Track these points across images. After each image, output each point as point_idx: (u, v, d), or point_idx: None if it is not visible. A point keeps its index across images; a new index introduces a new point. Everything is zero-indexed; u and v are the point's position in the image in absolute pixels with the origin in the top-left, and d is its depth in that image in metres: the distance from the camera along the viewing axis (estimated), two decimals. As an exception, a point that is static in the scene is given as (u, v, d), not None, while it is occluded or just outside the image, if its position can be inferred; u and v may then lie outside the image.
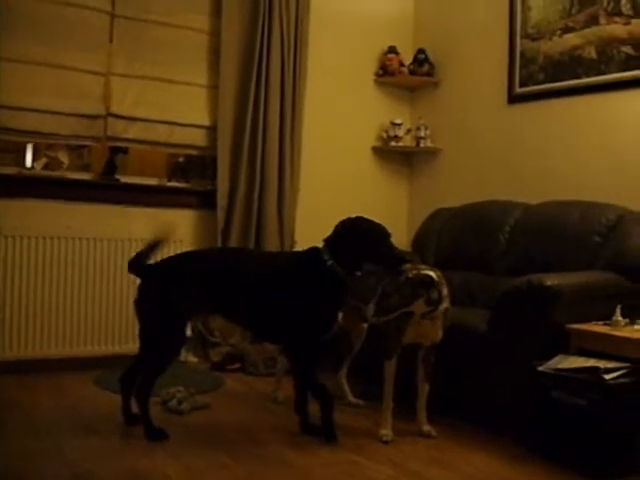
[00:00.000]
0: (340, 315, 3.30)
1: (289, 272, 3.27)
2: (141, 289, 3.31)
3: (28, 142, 4.65)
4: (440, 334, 3.32)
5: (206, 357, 4.68)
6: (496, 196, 4.70)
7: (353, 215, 3.32)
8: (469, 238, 4.54)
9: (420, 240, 4.93)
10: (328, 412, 3.26)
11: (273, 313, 3.27)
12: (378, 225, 3.31)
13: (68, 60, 4.40)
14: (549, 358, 3.16)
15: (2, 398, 3.71)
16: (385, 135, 5.49)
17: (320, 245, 3.29)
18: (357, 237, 3.22)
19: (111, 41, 4.56)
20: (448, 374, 3.57)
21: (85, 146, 4.84)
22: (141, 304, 3.28)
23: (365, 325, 3.76)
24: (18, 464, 2.83)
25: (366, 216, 3.34)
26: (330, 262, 3.21)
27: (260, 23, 4.78)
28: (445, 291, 3.26)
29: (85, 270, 4.38)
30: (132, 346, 4.33)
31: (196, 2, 4.80)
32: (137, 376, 3.27)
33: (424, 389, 3.43)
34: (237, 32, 4.79)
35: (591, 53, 4.37)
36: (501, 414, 3.42)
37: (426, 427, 3.41)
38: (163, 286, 3.24)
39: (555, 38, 4.58)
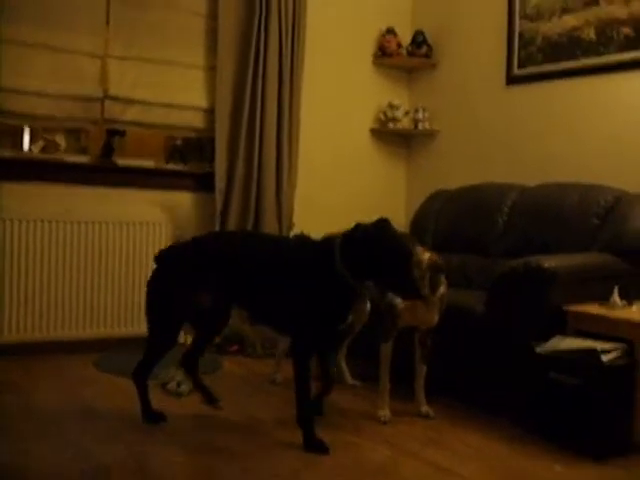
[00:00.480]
0: (350, 317, 3.12)
1: (299, 263, 3.06)
2: (152, 273, 3.29)
3: (25, 125, 4.62)
4: (436, 319, 3.33)
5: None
6: (494, 178, 4.71)
7: (380, 217, 3.03)
8: (467, 220, 4.55)
9: (418, 222, 4.93)
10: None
11: (279, 301, 3.10)
12: (403, 244, 2.95)
13: (65, 43, 4.38)
14: (547, 339, 3.18)
15: (2, 380, 3.72)
16: (383, 117, 5.48)
17: (334, 236, 3.09)
18: (377, 253, 2.87)
19: (108, 23, 4.53)
20: (445, 355, 3.59)
21: (82, 129, 4.81)
22: (148, 287, 3.25)
23: (367, 307, 3.70)
24: (18, 445, 2.85)
25: (391, 222, 3.04)
26: (339, 266, 2.93)
27: (258, 5, 4.74)
28: (443, 276, 3.27)
29: (84, 253, 4.38)
30: (132, 329, 4.44)
31: (193, -16, 4.78)
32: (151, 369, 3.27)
33: (422, 371, 3.45)
34: (235, 14, 4.75)
35: (590, 34, 4.35)
36: (498, 395, 3.44)
37: (424, 408, 3.45)
38: (170, 272, 3.22)
39: (554, 19, 4.56)
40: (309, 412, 3.00)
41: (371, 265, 2.89)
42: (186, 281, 3.16)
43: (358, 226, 2.99)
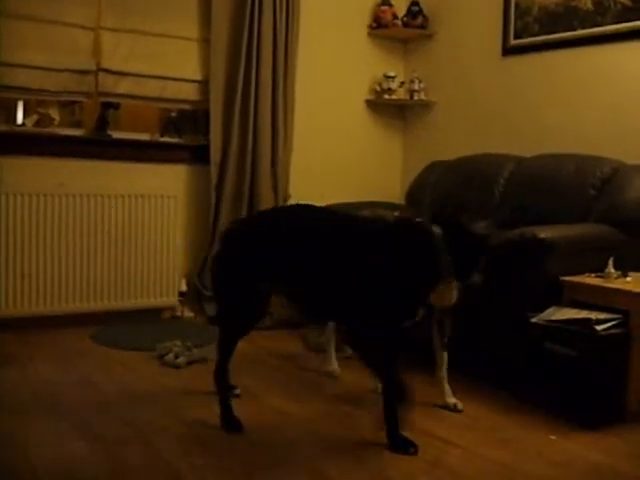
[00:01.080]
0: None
1: (392, 252, 2.74)
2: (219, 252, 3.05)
3: (18, 99, 4.59)
4: (455, 296, 2.97)
5: (202, 311, 4.70)
6: (491, 149, 4.70)
7: (453, 219, 2.87)
8: (463, 191, 4.53)
9: (414, 193, 4.93)
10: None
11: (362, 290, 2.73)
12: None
13: (57, 14, 4.33)
14: (542, 310, 3.18)
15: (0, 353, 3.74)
16: (379, 88, 5.45)
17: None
18: (471, 245, 2.81)
19: (100, -5, 4.50)
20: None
21: (76, 102, 4.78)
22: (216, 268, 3.05)
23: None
24: (17, 417, 2.87)
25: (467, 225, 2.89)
26: (444, 257, 2.72)
27: (251, -26, 4.71)
28: None
29: (79, 226, 4.36)
30: (128, 302, 4.44)
31: (186, -46, 4.73)
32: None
33: (442, 358, 3.22)
34: (228, -17, 4.72)
35: (587, 4, 4.32)
36: (495, 366, 3.45)
37: (451, 400, 3.19)
38: (241, 251, 2.90)
39: (551, -12, 4.53)
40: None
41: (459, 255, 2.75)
42: (260, 263, 2.84)
43: (441, 217, 2.87)
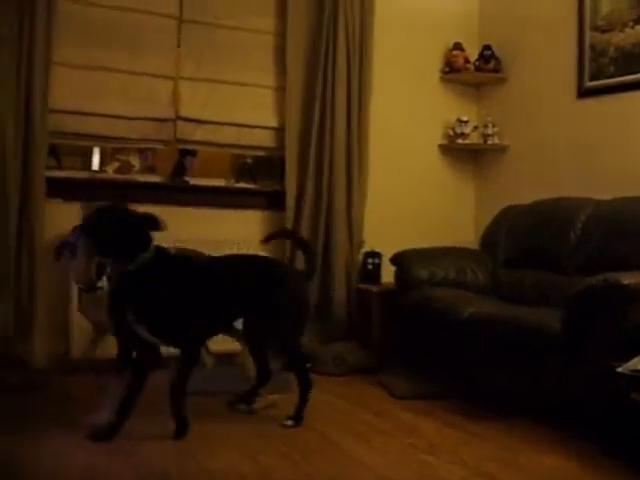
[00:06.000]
0: None
1: None
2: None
3: (100, 146, 4.74)
4: None
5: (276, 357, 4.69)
6: (566, 193, 4.60)
7: None
8: (539, 236, 4.46)
9: (488, 238, 4.88)
10: None
11: None
12: None
13: (138, 65, 4.51)
14: (626, 359, 3.08)
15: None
16: (452, 132, 5.44)
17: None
18: None
19: (179, 46, 4.63)
20: (519, 373, 3.51)
21: (150, 148, 4.90)
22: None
23: None
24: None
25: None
26: None
27: (325, 22, 4.79)
28: None
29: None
30: None
31: (261, 4, 4.85)
32: None
33: None
34: (302, 32, 4.81)
35: (665, 44, 4.25)
36: (575, 415, 3.34)
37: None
38: None
39: (627, 29, 4.47)
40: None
41: None
42: None
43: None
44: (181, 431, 3.16)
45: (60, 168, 4.53)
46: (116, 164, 4.63)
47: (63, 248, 3.73)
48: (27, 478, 2.72)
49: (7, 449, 2.97)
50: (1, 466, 2.80)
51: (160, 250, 3.20)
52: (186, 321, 3.18)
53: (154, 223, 3.16)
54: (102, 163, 4.91)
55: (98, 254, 3.26)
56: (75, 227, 3.48)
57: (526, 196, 4.84)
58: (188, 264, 3.31)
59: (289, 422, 3.41)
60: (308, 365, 4.25)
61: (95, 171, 4.77)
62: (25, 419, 3.36)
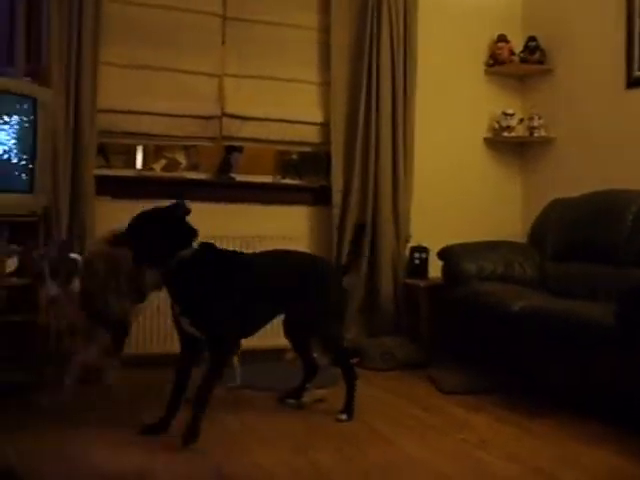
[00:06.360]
0: None
1: None
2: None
3: (147, 144, 4.78)
4: None
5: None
6: (614, 185, 4.52)
7: None
8: (589, 229, 4.39)
9: (536, 231, 4.83)
10: None
11: None
12: None
13: (183, 63, 4.54)
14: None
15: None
16: (497, 126, 5.39)
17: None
18: None
19: (223, 43, 4.66)
20: (570, 367, 3.47)
21: (194, 145, 4.93)
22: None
23: None
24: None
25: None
26: None
27: (369, 17, 4.78)
28: None
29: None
30: (252, 342, 4.38)
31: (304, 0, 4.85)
32: None
33: None
34: (346, 27, 4.80)
35: None
36: (628, 408, 3.29)
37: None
38: None
39: (678, 16, 4.38)
40: None
41: None
42: None
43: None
44: (191, 437, 3.00)
45: (109, 167, 4.59)
46: (163, 162, 4.68)
47: None
48: (81, 472, 2.76)
49: (59, 442, 3.02)
50: (54, 460, 2.84)
51: (204, 246, 3.19)
52: (225, 316, 3.14)
53: (181, 210, 3.16)
54: (145, 161, 4.96)
55: (136, 264, 3.30)
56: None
57: (574, 189, 4.77)
58: (230, 260, 3.28)
59: (343, 416, 3.42)
60: (355, 360, 4.30)
61: (140, 169, 4.81)
62: (79, 413, 3.42)
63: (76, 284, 3.25)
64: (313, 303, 3.40)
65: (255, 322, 3.37)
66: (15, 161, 3.58)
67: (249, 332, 3.38)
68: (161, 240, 3.06)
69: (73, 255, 3.30)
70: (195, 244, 3.13)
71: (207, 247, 3.21)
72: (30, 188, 3.64)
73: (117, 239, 3.17)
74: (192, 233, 3.14)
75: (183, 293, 3.12)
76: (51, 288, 3.20)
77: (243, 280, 3.23)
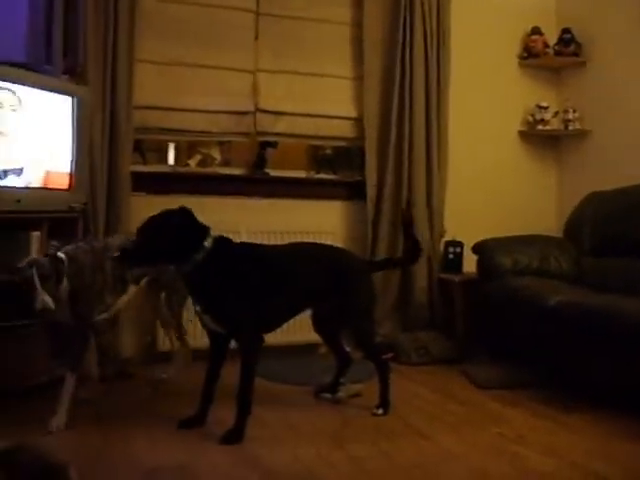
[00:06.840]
0: None
1: None
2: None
3: (182, 140, 4.81)
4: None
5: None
6: (652, 178, 4.49)
7: None
8: (627, 223, 4.35)
9: (573, 226, 4.78)
10: None
11: None
12: None
13: (217, 60, 4.56)
14: None
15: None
16: (531, 119, 5.35)
17: None
18: None
19: (257, 39, 4.68)
20: (607, 362, 3.44)
21: (227, 141, 4.95)
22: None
23: None
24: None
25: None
26: None
27: (402, 10, 4.76)
28: None
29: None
30: (285, 337, 4.35)
31: (336, -6, 4.85)
32: None
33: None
34: (379, 21, 4.80)
35: None
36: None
37: None
38: None
39: None
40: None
41: None
42: None
43: None
44: (235, 438, 3.03)
45: (145, 163, 4.63)
46: (198, 157, 4.70)
47: None
48: (119, 470, 2.79)
49: (100, 437, 3.06)
50: (94, 458, 2.88)
51: (218, 242, 3.09)
52: (243, 312, 3.09)
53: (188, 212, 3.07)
54: (177, 157, 4.99)
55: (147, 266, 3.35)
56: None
57: (610, 182, 4.72)
58: (246, 255, 3.18)
59: (379, 411, 3.43)
60: (390, 355, 4.30)
61: (174, 165, 4.85)
62: (117, 408, 3.47)
63: (65, 284, 3.10)
64: (341, 298, 3.37)
65: (277, 317, 3.32)
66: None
67: (271, 327, 3.32)
68: (176, 241, 2.98)
69: (59, 254, 3.12)
70: (209, 241, 3.04)
71: (222, 244, 3.10)
72: (69, 185, 3.68)
73: (125, 253, 3.00)
74: (204, 231, 3.06)
75: (201, 292, 3.10)
76: (46, 301, 2.94)
77: (260, 275, 3.14)
